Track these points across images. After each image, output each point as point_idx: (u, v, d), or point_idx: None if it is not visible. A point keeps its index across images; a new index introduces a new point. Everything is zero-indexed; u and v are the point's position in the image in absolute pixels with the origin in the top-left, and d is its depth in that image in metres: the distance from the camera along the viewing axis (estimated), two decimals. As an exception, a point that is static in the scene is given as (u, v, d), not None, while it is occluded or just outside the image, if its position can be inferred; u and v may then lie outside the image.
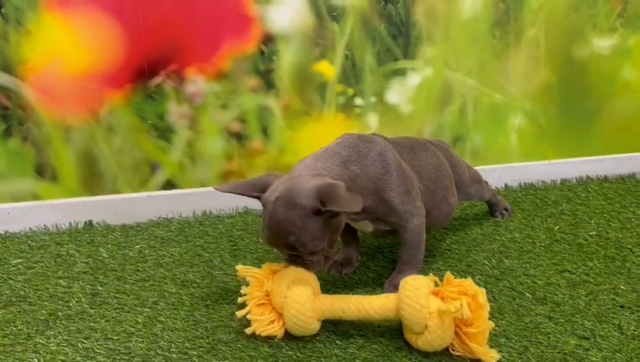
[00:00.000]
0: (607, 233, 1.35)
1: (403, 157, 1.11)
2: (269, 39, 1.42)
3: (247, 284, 0.98)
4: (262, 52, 1.43)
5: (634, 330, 0.97)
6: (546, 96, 1.62)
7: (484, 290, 0.89)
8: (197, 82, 1.42)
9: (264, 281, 0.95)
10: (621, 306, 1.05)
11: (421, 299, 0.88)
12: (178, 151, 1.46)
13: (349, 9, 1.45)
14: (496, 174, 1.63)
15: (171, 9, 1.36)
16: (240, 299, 0.96)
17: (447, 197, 1.20)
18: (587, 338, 0.95)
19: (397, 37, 1.50)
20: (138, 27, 1.35)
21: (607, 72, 1.64)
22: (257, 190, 1.00)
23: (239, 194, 1.03)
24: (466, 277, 1.09)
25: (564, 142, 1.68)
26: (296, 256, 0.96)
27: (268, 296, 0.95)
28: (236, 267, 0.98)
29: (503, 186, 1.66)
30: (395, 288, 0.94)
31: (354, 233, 1.20)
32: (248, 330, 0.94)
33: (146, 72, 1.39)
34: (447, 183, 1.21)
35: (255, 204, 1.51)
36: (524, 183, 1.68)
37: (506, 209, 1.45)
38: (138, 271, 1.21)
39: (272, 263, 1.00)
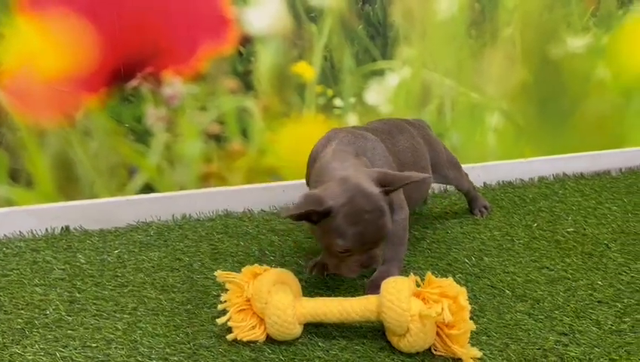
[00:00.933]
0: (584, 229, 1.37)
1: (385, 144, 1.13)
2: (246, 40, 1.42)
3: (227, 290, 0.97)
4: (240, 53, 1.42)
5: (611, 325, 0.99)
6: (522, 96, 1.64)
7: (464, 291, 0.90)
8: (174, 84, 1.40)
9: (244, 286, 0.95)
10: (599, 301, 1.06)
11: (403, 303, 0.88)
12: (156, 155, 1.44)
13: (326, 10, 1.45)
14: (475, 173, 1.64)
15: (147, 11, 1.34)
16: (220, 306, 0.96)
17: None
18: (566, 334, 0.97)
19: (375, 37, 1.50)
20: (113, 29, 1.33)
21: (581, 71, 1.66)
22: (316, 205, 0.93)
23: (306, 212, 0.93)
24: (447, 276, 1.10)
25: (541, 140, 1.70)
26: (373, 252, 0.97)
27: (248, 301, 0.94)
28: (215, 273, 0.97)
29: (482, 185, 1.68)
30: (377, 288, 0.94)
31: None
32: (229, 337, 0.94)
33: (122, 74, 1.37)
34: (424, 164, 1.24)
35: (236, 207, 1.50)
36: (503, 181, 1.69)
37: (485, 207, 1.46)
38: (117, 276, 1.20)
39: (253, 266, 0.99)
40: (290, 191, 1.53)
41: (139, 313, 1.06)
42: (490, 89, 1.61)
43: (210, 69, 1.41)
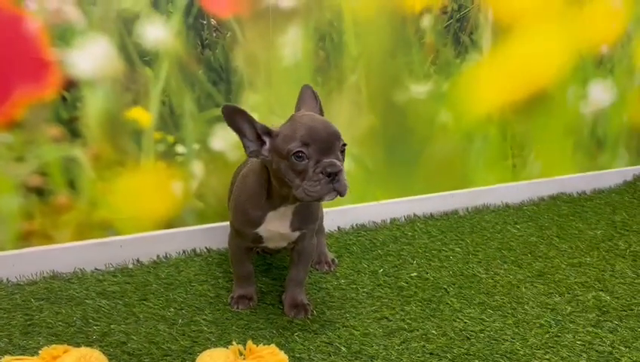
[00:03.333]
0: (427, 273, 1.39)
1: None
2: (71, 85, 1.29)
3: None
4: (64, 98, 1.30)
5: (439, 379, 0.98)
6: (370, 140, 1.66)
7: (286, 359, 0.85)
8: (-16, 133, 1.24)
9: (37, 373, 0.82)
10: (430, 353, 1.06)
11: (215, 378, 0.81)
12: (-37, 212, 1.26)
13: (162, 54, 1.37)
14: (330, 217, 1.63)
15: (-56, 51, 1.18)
16: (3, 400, 0.82)
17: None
18: (395, 394, 0.94)
19: (218, 83, 1.44)
20: None
21: (425, 115, 1.73)
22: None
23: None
24: (285, 335, 1.05)
25: (392, 182, 1.73)
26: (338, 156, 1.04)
27: (41, 391, 0.82)
28: (2, 360, 0.84)
29: (337, 229, 1.67)
30: (301, 309, 1.17)
31: (252, 265, 1.24)
32: None
33: None
34: None
35: (64, 267, 1.35)
36: (356, 225, 1.69)
37: (333, 261, 1.43)
38: None
39: (52, 347, 0.86)
40: (129, 246, 1.41)
41: None
42: (339, 134, 1.61)
43: (27, 116, 1.27)
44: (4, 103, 1.24)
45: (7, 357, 0.84)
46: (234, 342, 0.89)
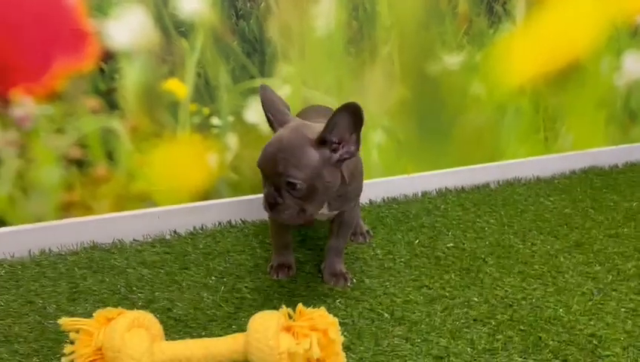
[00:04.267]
0: (463, 244, 1.39)
1: None
2: (108, 56, 1.30)
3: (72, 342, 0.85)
4: (101, 70, 1.30)
5: (484, 344, 0.98)
6: (402, 112, 1.65)
7: (335, 322, 0.85)
8: (25, 104, 1.25)
9: (94, 334, 0.84)
10: (474, 319, 1.06)
11: (270, 340, 0.82)
12: (6, 184, 1.28)
13: (197, 25, 1.37)
14: (361, 190, 1.62)
15: (-13, 22, 1.19)
16: (64, 360, 0.84)
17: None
18: (441, 358, 0.95)
19: (252, 54, 1.44)
20: (-54, 43, 1.16)
21: (457, 87, 1.71)
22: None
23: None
24: (327, 302, 1.06)
25: (423, 155, 1.72)
26: (276, 190, 0.97)
27: (100, 350, 0.83)
28: (59, 321, 0.85)
29: (368, 202, 1.66)
30: (340, 277, 1.17)
31: (289, 234, 1.23)
32: (76, 393, 0.82)
33: (-39, 93, 1.21)
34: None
35: (103, 238, 1.37)
36: (388, 198, 1.69)
37: (368, 232, 1.43)
38: (-49, 328, 1.03)
39: (106, 309, 0.88)
40: (166, 217, 1.43)
41: (-29, 372, 0.91)
42: (371, 106, 1.60)
43: (67, 88, 1.28)
44: (44, 75, 1.25)
45: (65, 319, 0.86)
46: (283, 306, 0.90)
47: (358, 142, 0.98)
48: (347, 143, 0.98)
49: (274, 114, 1.06)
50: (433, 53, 1.65)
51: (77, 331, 0.85)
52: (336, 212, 1.15)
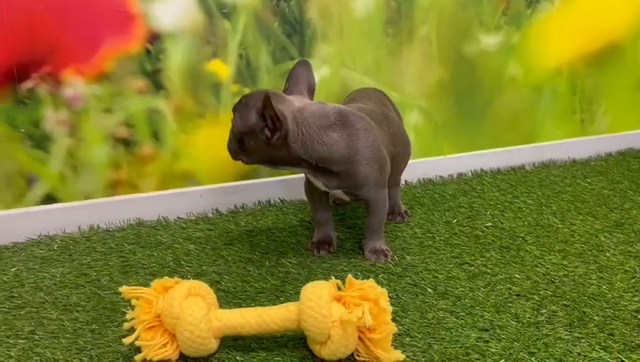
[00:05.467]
0: (502, 223, 1.39)
1: (382, 128, 1.20)
2: (155, 38, 1.33)
3: (133, 307, 0.89)
4: (148, 51, 1.33)
5: (529, 318, 1.00)
6: (439, 93, 1.65)
7: (385, 292, 0.87)
8: (75, 85, 1.29)
9: (153, 301, 0.87)
10: (517, 295, 1.07)
11: (323, 309, 0.84)
12: (58, 162, 1.32)
13: (240, 6, 1.39)
14: (397, 171, 1.64)
15: (41, 6, 1.23)
16: (126, 325, 0.88)
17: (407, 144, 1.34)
18: (487, 330, 0.96)
19: (292, 35, 1.46)
20: (2, 26, 1.20)
21: (494, 68, 1.70)
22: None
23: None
24: (369, 277, 1.08)
25: (459, 137, 1.72)
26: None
27: (158, 317, 0.87)
28: (120, 289, 0.89)
29: (404, 183, 1.68)
30: (380, 254, 1.21)
31: (328, 212, 1.28)
32: (138, 357, 0.86)
33: (15, 75, 1.25)
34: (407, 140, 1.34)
35: (149, 215, 1.41)
36: (424, 179, 1.70)
37: (406, 211, 1.45)
38: (12, 297, 1.08)
39: (163, 279, 0.92)
40: (208, 195, 1.46)
41: (36, 337, 0.95)
42: (409, 87, 1.61)
43: (115, 68, 1.31)
44: (93, 55, 1.29)
45: (125, 287, 0.90)
46: (332, 277, 0.92)
47: (267, 127, 1.06)
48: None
49: (289, 85, 1.18)
50: (470, 34, 1.64)
51: (137, 299, 0.89)
52: (339, 191, 1.17)
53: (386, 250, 1.23)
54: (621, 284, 1.10)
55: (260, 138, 1.07)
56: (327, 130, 1.10)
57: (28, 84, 1.26)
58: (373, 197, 1.19)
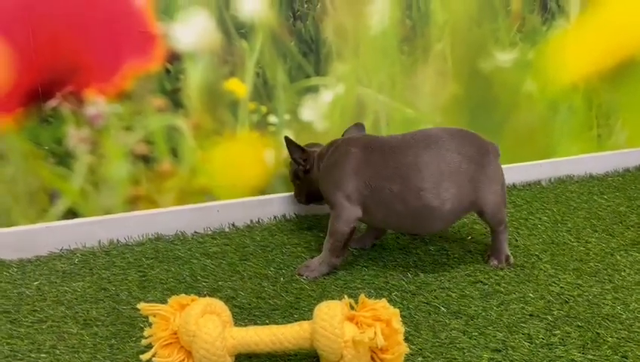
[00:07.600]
0: (517, 240, 1.40)
1: (371, 155, 1.22)
2: (174, 57, 1.37)
3: (150, 324, 0.91)
4: (167, 71, 1.37)
5: (542, 338, 1.00)
6: (454, 109, 1.66)
7: (397, 312, 0.88)
8: (97, 103, 1.33)
9: (170, 319, 0.90)
10: (530, 314, 1.07)
11: (336, 329, 0.86)
12: (79, 178, 1.36)
13: (257, 26, 1.42)
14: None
15: (64, 27, 1.27)
16: (144, 342, 0.90)
17: (421, 197, 1.17)
18: (499, 351, 0.97)
19: (308, 54, 1.48)
20: (28, 46, 1.25)
21: (510, 84, 1.71)
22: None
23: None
24: (383, 295, 1.09)
25: (474, 152, 1.72)
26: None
27: (175, 334, 0.89)
28: (138, 305, 0.92)
29: (419, 198, 1.68)
30: (303, 269, 1.24)
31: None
32: (155, 373, 0.88)
33: (40, 94, 1.29)
34: (427, 185, 1.17)
35: (167, 230, 1.44)
36: (439, 194, 1.71)
37: (506, 257, 1.30)
38: (35, 311, 1.11)
39: (180, 296, 0.94)
40: (225, 211, 1.49)
41: (57, 351, 0.98)
42: (423, 104, 1.62)
43: (135, 87, 1.35)
44: (115, 75, 1.33)
45: (143, 304, 0.92)
46: (345, 296, 0.93)
47: (297, 162, 1.35)
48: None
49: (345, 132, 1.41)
50: (486, 51, 1.65)
51: (154, 315, 0.91)
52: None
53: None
54: (636, 305, 1.09)
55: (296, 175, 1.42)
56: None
57: (52, 103, 1.30)
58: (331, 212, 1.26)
